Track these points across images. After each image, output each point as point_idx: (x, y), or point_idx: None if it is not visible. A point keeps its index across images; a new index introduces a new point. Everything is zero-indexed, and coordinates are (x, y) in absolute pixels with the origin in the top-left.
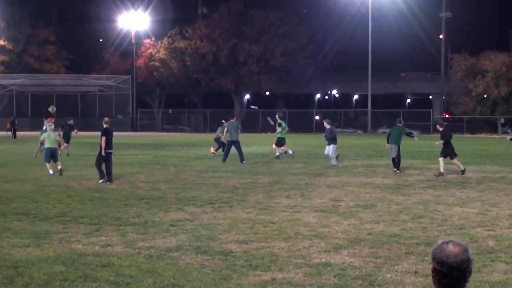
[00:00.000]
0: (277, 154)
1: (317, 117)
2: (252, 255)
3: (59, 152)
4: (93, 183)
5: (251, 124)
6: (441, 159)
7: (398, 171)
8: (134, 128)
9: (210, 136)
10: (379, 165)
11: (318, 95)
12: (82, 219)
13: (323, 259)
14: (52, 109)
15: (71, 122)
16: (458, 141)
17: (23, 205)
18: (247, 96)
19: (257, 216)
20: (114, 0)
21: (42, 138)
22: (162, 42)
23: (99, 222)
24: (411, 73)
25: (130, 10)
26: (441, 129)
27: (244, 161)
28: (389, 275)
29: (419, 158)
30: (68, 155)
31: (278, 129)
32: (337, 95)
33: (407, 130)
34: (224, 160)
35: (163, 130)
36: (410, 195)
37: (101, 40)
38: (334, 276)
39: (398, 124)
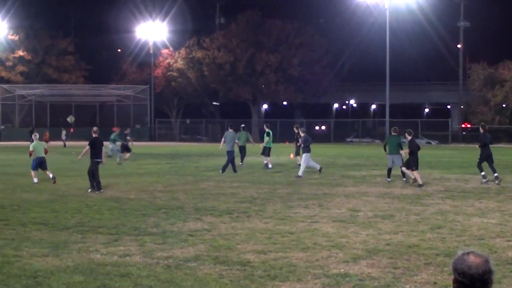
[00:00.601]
0: (267, 163)
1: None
2: (270, 265)
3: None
4: (111, 193)
5: None
6: (406, 170)
7: (404, 179)
8: (152, 138)
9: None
10: (398, 175)
11: (336, 105)
12: (101, 229)
13: (342, 270)
14: (70, 119)
15: (128, 131)
16: (477, 151)
17: (42, 215)
18: (265, 106)
19: (275, 226)
20: (132, 11)
21: (31, 148)
22: (179, 52)
23: (117, 232)
24: (429, 83)
25: (148, 20)
26: (409, 138)
27: (222, 173)
28: (408, 286)
29: (438, 168)
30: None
31: (266, 139)
32: (354, 105)
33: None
34: (233, 170)
35: (180, 140)
36: (428, 205)
37: (119, 50)
38: (353, 287)
39: (394, 133)
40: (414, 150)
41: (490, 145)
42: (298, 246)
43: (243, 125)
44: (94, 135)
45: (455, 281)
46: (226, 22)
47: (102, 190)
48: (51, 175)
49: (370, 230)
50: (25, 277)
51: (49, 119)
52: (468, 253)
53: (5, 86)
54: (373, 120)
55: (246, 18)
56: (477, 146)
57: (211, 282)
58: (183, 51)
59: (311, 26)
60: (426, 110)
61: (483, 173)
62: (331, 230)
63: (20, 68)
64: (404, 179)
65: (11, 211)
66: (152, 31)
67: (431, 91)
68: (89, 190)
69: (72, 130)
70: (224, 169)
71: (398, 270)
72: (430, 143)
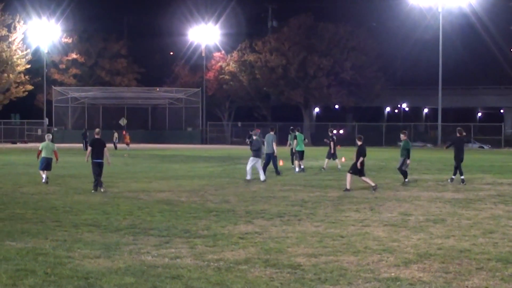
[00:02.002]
0: (302, 167)
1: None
2: (321, 268)
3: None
4: (163, 195)
5: (320, 137)
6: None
7: (406, 180)
8: (203, 141)
9: (279, 149)
10: (457, 180)
11: (388, 109)
12: (152, 231)
13: (393, 274)
14: (122, 121)
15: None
16: None
17: (94, 217)
18: (317, 110)
19: (326, 229)
20: (184, 14)
21: (40, 148)
22: (232, 56)
23: (168, 234)
24: (482, 87)
25: (200, 23)
26: (359, 143)
27: (278, 175)
28: None
29: (490, 173)
30: None
31: (295, 142)
32: (407, 109)
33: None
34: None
35: (232, 143)
36: (481, 210)
37: (171, 53)
38: None
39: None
40: (361, 155)
41: None
42: (349, 250)
43: (292, 128)
44: (96, 136)
45: None
46: (279, 25)
47: (93, 191)
48: (45, 175)
49: (421, 234)
50: (77, 278)
51: (102, 122)
52: None
53: (59, 88)
54: (425, 124)
55: (298, 22)
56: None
57: (261, 285)
58: (235, 54)
59: (363, 30)
60: (479, 114)
61: None
62: (382, 234)
63: (73, 70)
64: (407, 180)
65: (63, 212)
66: (205, 34)
67: (484, 95)
68: (92, 191)
69: (124, 132)
70: (277, 171)
71: (449, 275)
72: (482, 147)
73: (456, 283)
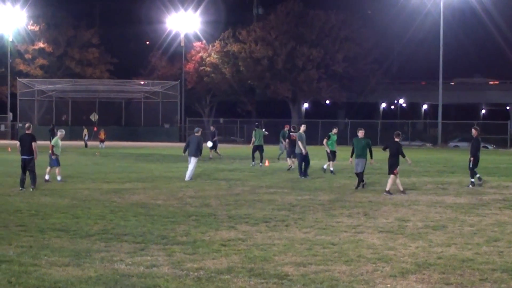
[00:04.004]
0: (331, 169)
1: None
2: (310, 279)
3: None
4: (138, 198)
5: (310, 136)
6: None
7: (364, 183)
8: (182, 139)
9: (265, 148)
10: (451, 182)
11: (383, 105)
12: (126, 236)
13: (388, 285)
14: (93, 116)
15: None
16: None
17: (63, 221)
18: (306, 105)
19: (315, 236)
20: (162, 0)
21: (53, 143)
22: (213, 46)
23: (144, 240)
24: (487, 82)
25: (179, 10)
26: (397, 140)
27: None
28: None
29: (495, 175)
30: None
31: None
32: (404, 105)
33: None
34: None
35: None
36: (485, 215)
37: (147, 42)
38: None
39: (360, 135)
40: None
41: None
42: (341, 259)
43: (257, 123)
44: (26, 132)
45: None
46: (265, 13)
47: (21, 189)
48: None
49: (420, 242)
50: None
51: (71, 117)
52: None
53: (24, 80)
54: (424, 122)
55: (286, 9)
56: None
57: None
58: (217, 44)
59: (357, 18)
60: (483, 111)
61: None
62: (377, 242)
63: (40, 61)
64: (364, 182)
65: (28, 216)
66: (184, 22)
67: (489, 90)
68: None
69: (95, 129)
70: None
71: (450, 286)
72: (486, 147)
73: None
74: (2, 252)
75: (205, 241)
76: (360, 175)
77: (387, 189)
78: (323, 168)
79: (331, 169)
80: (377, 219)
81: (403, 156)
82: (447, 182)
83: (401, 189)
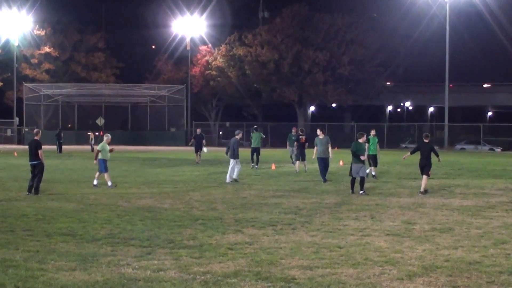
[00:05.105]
0: (373, 173)
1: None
2: (317, 282)
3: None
4: (144, 202)
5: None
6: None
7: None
8: (188, 142)
9: (272, 152)
10: (457, 185)
11: (390, 108)
12: (133, 241)
13: None
14: (100, 121)
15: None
16: None
17: (69, 225)
18: (312, 108)
19: (322, 239)
20: (168, 3)
21: (100, 148)
22: (219, 49)
23: (150, 244)
24: (493, 84)
25: (185, 14)
26: (426, 141)
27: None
28: None
29: (502, 178)
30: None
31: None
32: (410, 108)
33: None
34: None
35: (219, 144)
36: (492, 218)
37: (153, 46)
38: None
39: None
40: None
41: None
42: (348, 262)
43: (255, 126)
44: (35, 137)
45: None
46: (270, 16)
47: (27, 193)
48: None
49: (426, 244)
50: None
51: (77, 121)
52: None
53: (30, 85)
54: (430, 125)
55: (292, 12)
56: None
57: None
58: (223, 48)
59: (363, 21)
60: (489, 113)
61: None
62: (384, 245)
63: (46, 65)
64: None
65: (35, 220)
66: (190, 26)
67: (496, 92)
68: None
69: (101, 133)
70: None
71: None
72: (493, 150)
73: None
74: (9, 256)
75: (212, 245)
76: (362, 180)
77: (421, 189)
78: (372, 175)
79: (373, 173)
80: (384, 222)
81: (437, 155)
82: (454, 185)
83: (422, 190)
